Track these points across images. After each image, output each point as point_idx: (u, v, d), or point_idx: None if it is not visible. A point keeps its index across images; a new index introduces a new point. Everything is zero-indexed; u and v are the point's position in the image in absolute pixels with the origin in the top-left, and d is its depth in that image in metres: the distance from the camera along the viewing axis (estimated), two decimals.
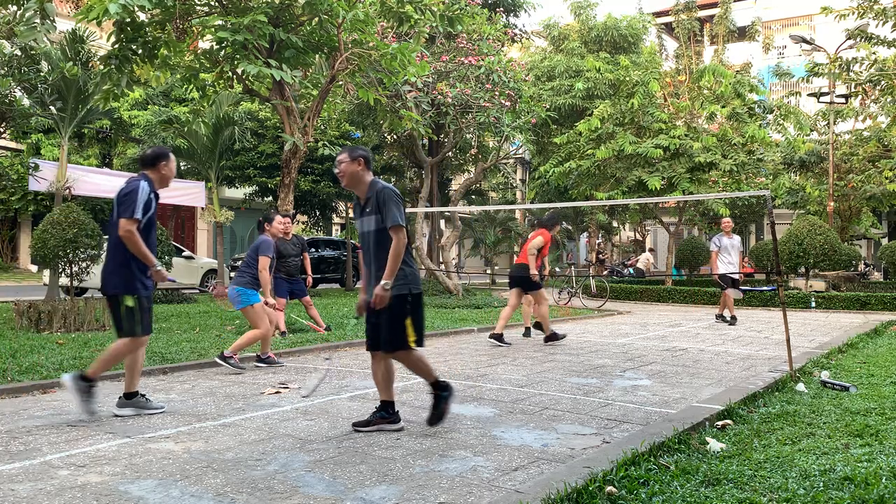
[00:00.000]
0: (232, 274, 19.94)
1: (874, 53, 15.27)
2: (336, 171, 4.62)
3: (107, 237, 5.03)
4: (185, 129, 16.79)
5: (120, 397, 5.13)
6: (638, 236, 36.21)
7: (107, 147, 24.15)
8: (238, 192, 24.70)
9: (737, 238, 12.14)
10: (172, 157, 5.15)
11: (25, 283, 22.35)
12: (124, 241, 4.77)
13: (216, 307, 13.37)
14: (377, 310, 4.51)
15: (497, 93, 15.54)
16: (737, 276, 12.08)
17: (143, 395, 5.15)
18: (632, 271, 28.11)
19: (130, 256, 4.85)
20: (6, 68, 12.76)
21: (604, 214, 26.78)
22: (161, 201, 19.61)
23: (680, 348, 9.04)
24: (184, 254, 18.79)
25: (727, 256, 11.95)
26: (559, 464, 3.92)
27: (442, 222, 24.74)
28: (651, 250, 32.84)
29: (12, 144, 23.41)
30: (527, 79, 19.17)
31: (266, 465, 3.91)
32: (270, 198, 20.89)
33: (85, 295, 15.34)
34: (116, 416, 4.98)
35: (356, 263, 23.08)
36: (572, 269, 19.92)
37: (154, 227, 5.09)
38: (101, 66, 9.57)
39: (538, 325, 9.63)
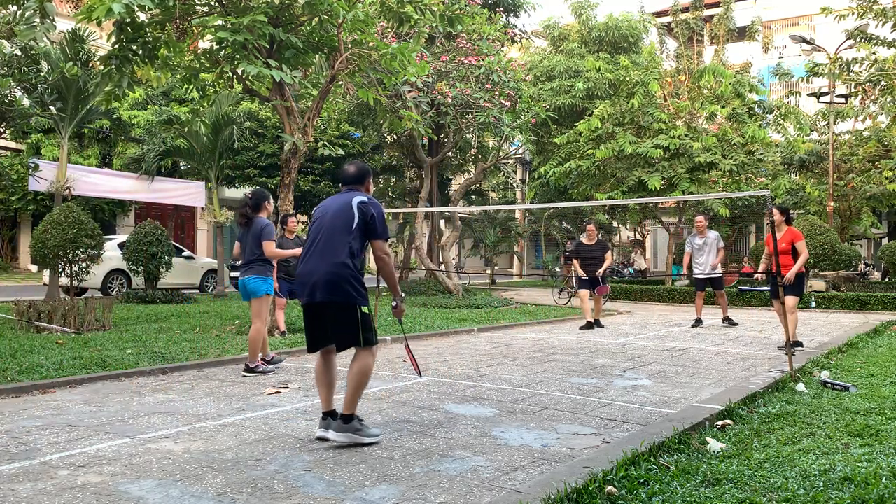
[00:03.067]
0: (232, 274, 19.96)
1: (874, 54, 15.26)
2: None
3: (321, 241, 4.43)
4: (185, 129, 16.78)
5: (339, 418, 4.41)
6: (638, 236, 36.20)
7: (107, 147, 24.15)
8: (238, 192, 24.68)
9: (712, 235, 11.58)
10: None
11: (25, 283, 22.35)
12: (383, 262, 4.46)
13: (216, 307, 13.36)
14: None
15: (497, 93, 15.54)
16: (715, 276, 11.50)
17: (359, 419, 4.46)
18: (632, 271, 28.11)
19: (357, 269, 4.41)
20: (6, 68, 12.76)
21: (604, 214, 26.77)
22: (161, 201, 19.59)
23: (680, 348, 9.04)
24: (184, 254, 18.79)
25: (699, 258, 11.53)
26: (559, 464, 3.92)
27: (442, 222, 24.74)
28: (634, 251, 32.68)
29: (12, 144, 23.41)
30: (526, 79, 19.19)
31: (266, 465, 3.91)
32: (251, 190, 20.89)
33: (85, 295, 15.34)
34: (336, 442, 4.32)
35: None
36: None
37: None
38: (102, 67, 9.56)
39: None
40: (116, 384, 6.26)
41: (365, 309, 4.38)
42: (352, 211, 4.42)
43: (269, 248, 6.86)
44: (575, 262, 11.61)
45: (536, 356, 8.23)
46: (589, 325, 11.45)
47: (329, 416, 4.47)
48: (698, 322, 11.81)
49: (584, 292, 11.61)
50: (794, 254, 8.37)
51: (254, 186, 20.68)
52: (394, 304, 4.66)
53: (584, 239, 11.66)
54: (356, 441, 4.30)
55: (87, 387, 6.11)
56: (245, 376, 6.72)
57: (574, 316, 13.40)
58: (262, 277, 6.92)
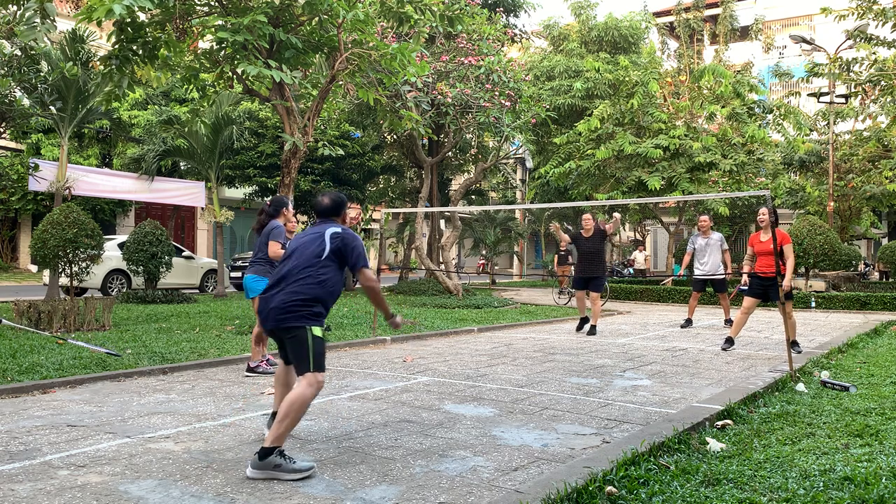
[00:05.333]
0: (232, 274, 19.99)
1: (874, 54, 15.27)
2: None
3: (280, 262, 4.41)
4: (185, 129, 16.79)
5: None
6: (638, 236, 36.20)
7: (107, 147, 24.16)
8: (238, 192, 24.69)
9: (715, 236, 11.36)
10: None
11: (25, 283, 22.35)
12: (369, 290, 4.38)
13: (216, 307, 13.36)
14: None
15: (497, 93, 15.54)
16: (718, 278, 11.34)
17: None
18: (631, 271, 28.09)
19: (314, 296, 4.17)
20: (6, 68, 12.76)
21: (604, 214, 26.75)
22: (161, 201, 19.55)
23: (680, 348, 9.04)
24: (184, 254, 18.78)
25: (701, 258, 11.40)
26: (559, 464, 3.92)
27: (442, 222, 24.74)
28: (640, 247, 32.65)
29: (12, 144, 23.42)
30: (526, 79, 19.20)
31: None
32: (270, 198, 20.90)
33: (85, 295, 15.35)
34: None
35: None
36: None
37: None
38: (102, 67, 9.57)
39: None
40: (116, 384, 6.26)
41: (317, 331, 4.06)
42: (323, 242, 4.26)
43: (273, 248, 6.81)
44: (563, 233, 10.92)
45: (536, 356, 8.23)
46: (583, 322, 10.80)
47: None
48: (688, 322, 11.75)
49: (581, 292, 10.92)
50: (780, 256, 8.09)
51: (254, 187, 20.73)
52: (389, 322, 4.55)
53: (581, 232, 10.80)
54: (275, 477, 3.75)
55: (87, 387, 6.10)
56: (247, 376, 6.73)
57: (574, 316, 13.40)
58: (259, 277, 6.87)
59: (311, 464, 3.86)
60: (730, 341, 8.73)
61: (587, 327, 10.63)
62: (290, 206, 7.49)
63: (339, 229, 4.35)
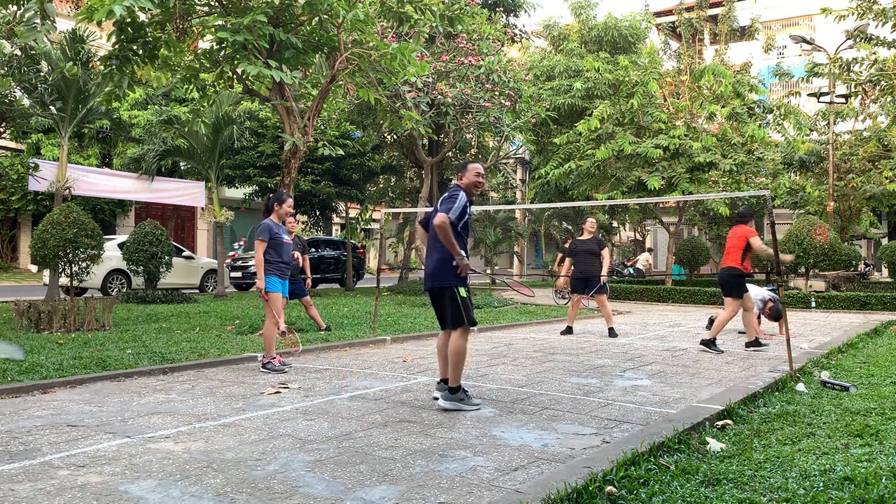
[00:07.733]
0: (232, 274, 20.00)
1: (874, 54, 15.27)
2: None
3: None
4: (185, 129, 16.79)
5: (445, 390, 5.34)
6: (638, 236, 36.20)
7: (107, 147, 24.17)
8: (238, 192, 24.70)
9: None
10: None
11: (25, 283, 22.36)
12: (438, 232, 5.35)
13: (216, 307, 13.36)
14: None
15: (497, 93, 15.54)
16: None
17: (465, 391, 5.39)
18: (632, 271, 28.11)
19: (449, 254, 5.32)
20: (6, 68, 12.76)
21: (604, 214, 26.77)
22: (161, 201, 19.66)
23: (680, 348, 9.04)
24: (184, 254, 18.78)
25: None
26: (559, 464, 3.92)
27: None
28: (650, 250, 32.76)
29: (12, 144, 23.42)
30: (526, 78, 19.20)
31: (266, 465, 3.91)
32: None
33: (85, 295, 15.34)
34: (444, 409, 5.21)
35: (356, 263, 23.06)
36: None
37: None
38: (102, 67, 9.57)
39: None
40: (116, 384, 6.26)
41: (462, 291, 5.31)
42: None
43: (256, 252, 7.04)
44: (566, 260, 10.78)
45: (536, 356, 8.23)
46: (569, 330, 10.61)
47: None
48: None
49: (579, 298, 10.67)
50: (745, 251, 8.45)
51: (254, 186, 20.73)
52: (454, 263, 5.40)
53: (578, 236, 10.69)
54: (460, 409, 5.20)
55: (87, 387, 6.11)
56: (262, 371, 6.92)
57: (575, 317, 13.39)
58: (268, 278, 7.09)
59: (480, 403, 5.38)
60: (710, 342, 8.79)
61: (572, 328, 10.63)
62: (288, 204, 7.53)
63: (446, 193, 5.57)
